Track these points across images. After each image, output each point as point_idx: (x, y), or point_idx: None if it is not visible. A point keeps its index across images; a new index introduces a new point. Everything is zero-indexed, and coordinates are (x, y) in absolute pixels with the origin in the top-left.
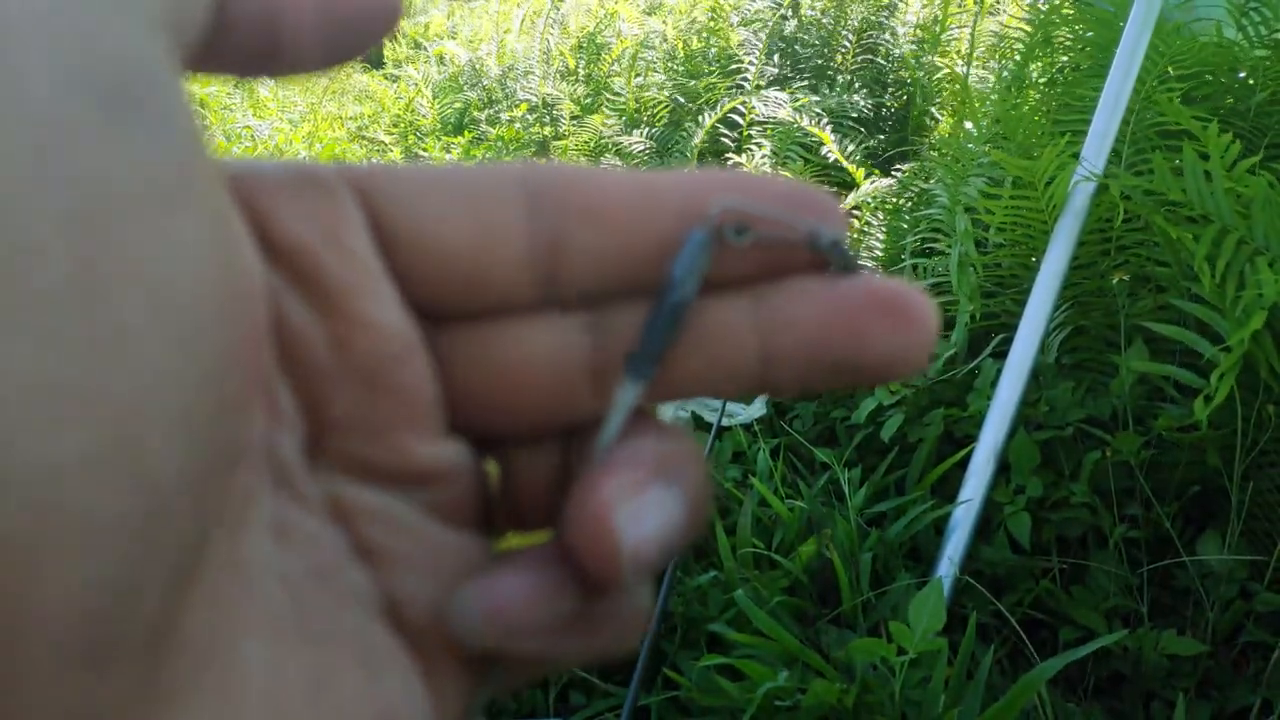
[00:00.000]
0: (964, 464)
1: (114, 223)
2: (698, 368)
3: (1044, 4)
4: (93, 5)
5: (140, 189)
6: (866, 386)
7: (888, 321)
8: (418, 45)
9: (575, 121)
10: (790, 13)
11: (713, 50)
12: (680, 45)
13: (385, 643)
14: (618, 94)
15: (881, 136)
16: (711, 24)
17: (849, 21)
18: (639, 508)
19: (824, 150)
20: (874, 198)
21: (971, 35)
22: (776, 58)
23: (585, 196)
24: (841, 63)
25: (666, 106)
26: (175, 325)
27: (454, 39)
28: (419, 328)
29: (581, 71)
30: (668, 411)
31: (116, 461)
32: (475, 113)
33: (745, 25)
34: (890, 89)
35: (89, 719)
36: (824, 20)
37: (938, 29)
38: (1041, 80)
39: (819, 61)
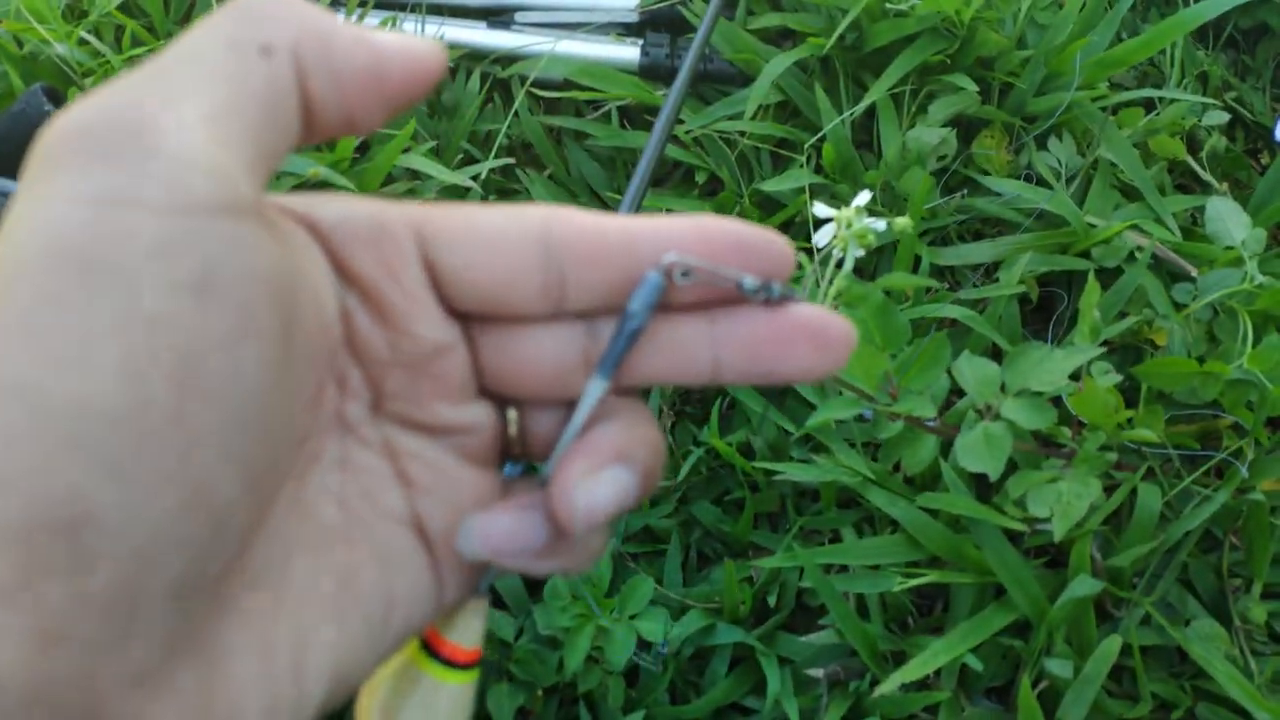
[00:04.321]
0: None
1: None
2: (663, 367)
3: None
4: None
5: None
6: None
7: (810, 345)
8: None
9: None
10: None
11: None
12: None
13: (406, 546)
14: None
15: None
16: None
17: None
18: (594, 484)
19: None
20: None
21: None
22: None
23: (584, 245)
24: None
25: None
26: (273, 370)
27: None
28: (458, 327)
29: None
30: None
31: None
32: None
33: None
34: None
35: (178, 636)
36: None
37: None
38: None
39: None
